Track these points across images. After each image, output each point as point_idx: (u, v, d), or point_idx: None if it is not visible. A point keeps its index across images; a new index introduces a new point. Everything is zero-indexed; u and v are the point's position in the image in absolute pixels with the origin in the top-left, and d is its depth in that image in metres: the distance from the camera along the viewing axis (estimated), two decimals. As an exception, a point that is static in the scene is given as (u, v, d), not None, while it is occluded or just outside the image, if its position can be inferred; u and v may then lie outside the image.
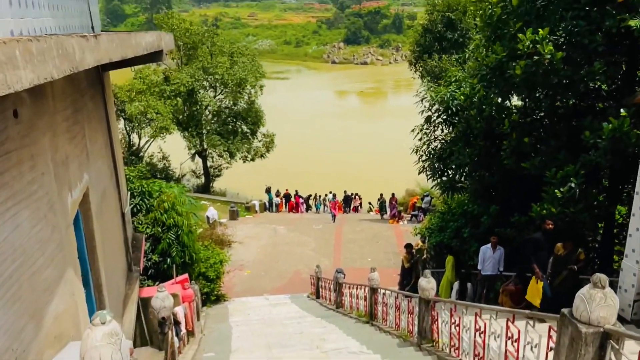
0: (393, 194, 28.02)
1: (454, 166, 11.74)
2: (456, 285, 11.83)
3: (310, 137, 50.46)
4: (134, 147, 36.71)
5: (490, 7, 7.87)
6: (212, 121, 33.33)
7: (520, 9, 7.70)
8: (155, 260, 12.62)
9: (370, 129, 58.03)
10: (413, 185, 35.63)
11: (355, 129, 57.03)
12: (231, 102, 33.25)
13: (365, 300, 10.39)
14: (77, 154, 4.52)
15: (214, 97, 33.02)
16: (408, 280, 12.80)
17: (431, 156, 12.91)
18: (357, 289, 11.18)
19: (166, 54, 7.28)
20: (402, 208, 27.98)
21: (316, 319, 11.20)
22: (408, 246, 13.13)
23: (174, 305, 8.56)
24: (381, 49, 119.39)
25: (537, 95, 8.85)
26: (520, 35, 7.31)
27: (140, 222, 12.64)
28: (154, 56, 7.06)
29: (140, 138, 36.75)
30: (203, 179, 36.16)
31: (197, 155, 34.58)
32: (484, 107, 9.94)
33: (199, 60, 31.28)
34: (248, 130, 34.15)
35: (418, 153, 13.24)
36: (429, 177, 12.94)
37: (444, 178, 12.63)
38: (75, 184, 4.33)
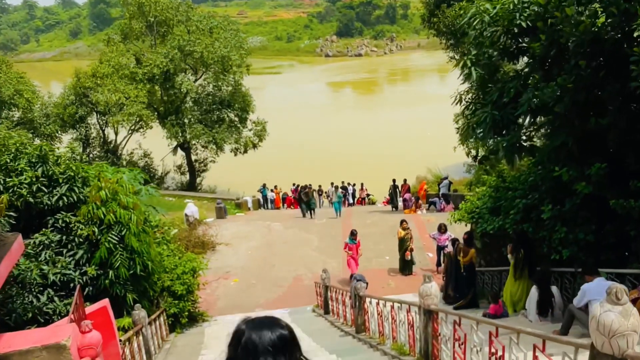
0: (405, 180, 24.09)
1: (523, 112, 7.74)
2: (534, 291, 7.87)
3: (306, 130, 46.53)
4: (111, 144, 32.71)
5: None
6: (194, 109, 29.17)
7: None
8: (93, 274, 8.68)
9: (369, 118, 54.23)
10: (424, 172, 31.82)
11: (354, 119, 53.23)
12: (214, 87, 29.13)
13: (411, 327, 6.21)
14: None
15: (195, 81, 28.89)
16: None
17: (481, 106, 8.94)
18: (393, 308, 6.96)
19: None
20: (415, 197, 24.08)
21: (330, 357, 7.12)
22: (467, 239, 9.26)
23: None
24: (375, 40, 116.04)
25: None
26: None
27: (67, 220, 8.76)
28: None
29: (117, 134, 32.76)
30: (188, 176, 32.09)
31: (179, 149, 30.51)
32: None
33: (175, 39, 27.10)
34: (236, 118, 30.06)
35: (461, 103, 9.29)
36: (481, 136, 8.95)
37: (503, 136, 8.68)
38: None
